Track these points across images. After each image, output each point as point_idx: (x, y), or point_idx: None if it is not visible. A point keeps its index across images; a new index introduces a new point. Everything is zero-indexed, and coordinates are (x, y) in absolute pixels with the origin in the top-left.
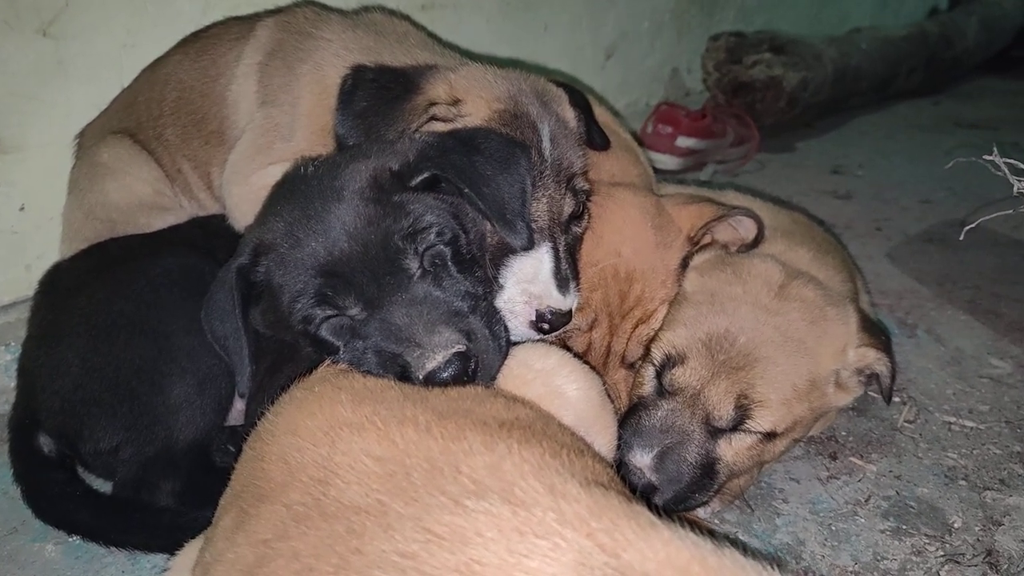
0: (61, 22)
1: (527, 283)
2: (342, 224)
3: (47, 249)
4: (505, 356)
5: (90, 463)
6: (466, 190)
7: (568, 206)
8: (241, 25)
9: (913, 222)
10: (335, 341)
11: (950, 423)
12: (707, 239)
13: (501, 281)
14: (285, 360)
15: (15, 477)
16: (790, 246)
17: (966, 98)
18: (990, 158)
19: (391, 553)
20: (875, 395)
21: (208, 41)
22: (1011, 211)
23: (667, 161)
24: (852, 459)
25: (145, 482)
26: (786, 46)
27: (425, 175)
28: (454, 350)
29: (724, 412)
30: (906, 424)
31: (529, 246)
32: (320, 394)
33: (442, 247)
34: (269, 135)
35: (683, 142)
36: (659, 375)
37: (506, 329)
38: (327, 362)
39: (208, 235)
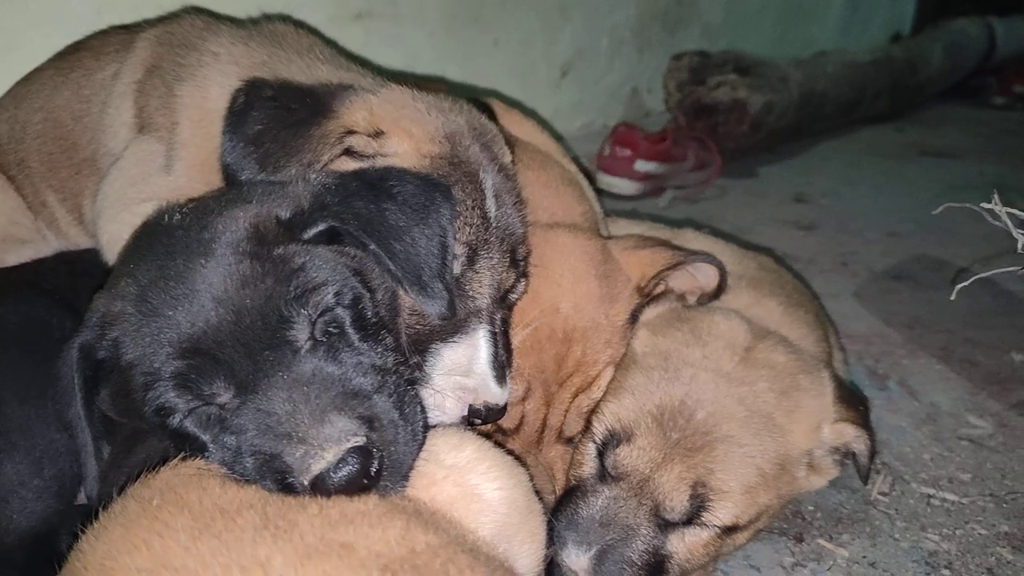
0: None
1: (461, 375)
2: (209, 286)
3: None
4: (421, 446)
5: None
6: (373, 246)
7: (509, 279)
8: (122, 36)
9: (880, 257)
10: (202, 436)
11: (929, 496)
12: (660, 288)
13: (427, 369)
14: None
15: None
16: (757, 298)
17: (929, 125)
18: (988, 206)
19: None
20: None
21: (82, 55)
22: (1017, 268)
23: (624, 186)
24: (820, 541)
25: None
26: (751, 68)
27: (321, 227)
28: (349, 444)
29: (677, 503)
30: (880, 497)
31: (449, 314)
32: (153, 515)
33: (340, 311)
34: (144, 165)
35: (641, 166)
36: (601, 454)
37: (423, 411)
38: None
39: (74, 274)
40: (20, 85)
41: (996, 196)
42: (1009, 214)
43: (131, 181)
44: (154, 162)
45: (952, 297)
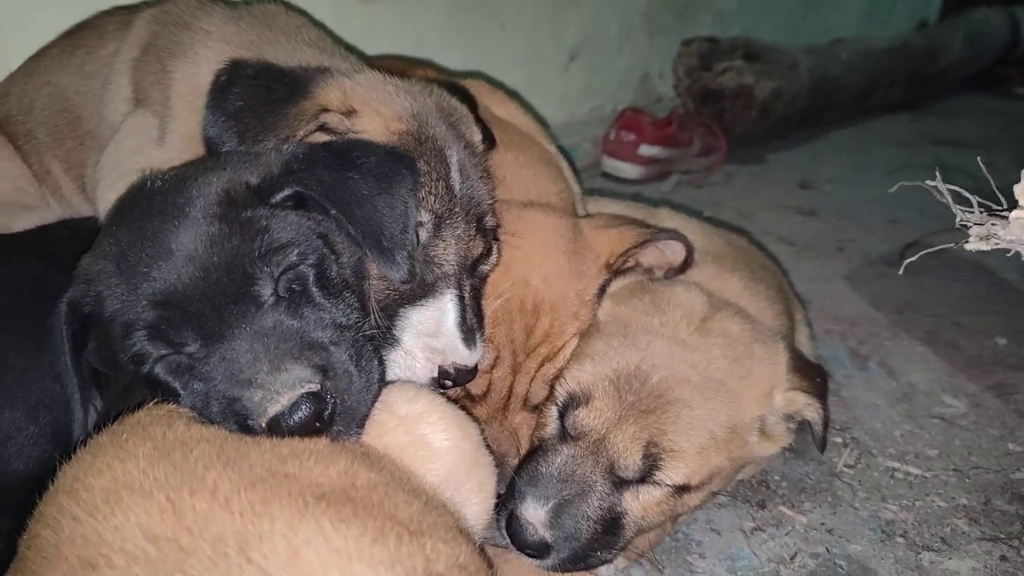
0: None
1: (429, 337)
2: (179, 245)
3: None
4: (376, 397)
5: None
6: (334, 211)
7: (477, 248)
8: (122, 16)
9: (877, 243)
10: (173, 383)
11: (893, 469)
12: (629, 265)
13: (397, 333)
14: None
15: None
16: (720, 273)
17: (946, 115)
18: (933, 183)
19: None
20: None
21: (86, 34)
22: (952, 244)
23: (628, 169)
24: (782, 508)
25: None
26: (761, 54)
27: (287, 192)
28: (303, 390)
29: (631, 461)
30: (845, 469)
31: (409, 279)
32: (120, 445)
33: (304, 268)
34: (139, 137)
35: (646, 150)
36: (562, 416)
37: (380, 364)
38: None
39: (75, 240)
40: (30, 61)
41: (939, 174)
42: (952, 192)
43: (127, 152)
44: (149, 135)
45: (900, 272)
